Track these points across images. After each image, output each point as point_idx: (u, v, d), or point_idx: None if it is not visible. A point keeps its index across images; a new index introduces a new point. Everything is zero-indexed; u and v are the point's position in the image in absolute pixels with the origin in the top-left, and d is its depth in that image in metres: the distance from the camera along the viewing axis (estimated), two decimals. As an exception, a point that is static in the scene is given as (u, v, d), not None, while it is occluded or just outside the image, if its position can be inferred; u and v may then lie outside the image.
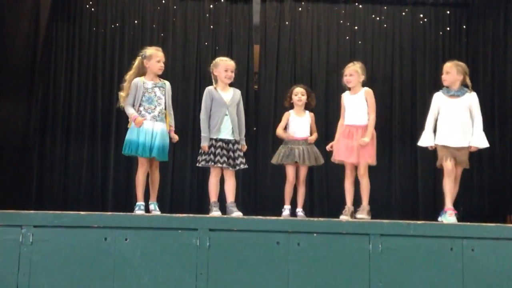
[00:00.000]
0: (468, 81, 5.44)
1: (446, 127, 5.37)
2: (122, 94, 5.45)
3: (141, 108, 5.37)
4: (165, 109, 5.47)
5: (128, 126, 5.44)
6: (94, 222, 4.42)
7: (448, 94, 5.44)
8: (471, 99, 5.38)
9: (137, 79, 5.42)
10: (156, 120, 5.39)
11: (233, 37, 7.93)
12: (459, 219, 5.39)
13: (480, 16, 7.84)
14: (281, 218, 5.42)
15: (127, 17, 7.85)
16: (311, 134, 6.09)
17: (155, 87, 5.43)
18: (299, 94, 6.05)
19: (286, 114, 6.13)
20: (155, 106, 5.40)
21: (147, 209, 5.48)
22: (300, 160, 5.88)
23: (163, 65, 5.50)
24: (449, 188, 5.35)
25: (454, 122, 5.34)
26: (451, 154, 5.35)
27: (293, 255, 4.44)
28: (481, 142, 5.36)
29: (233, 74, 5.60)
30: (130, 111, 5.38)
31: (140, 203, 5.44)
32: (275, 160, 6.02)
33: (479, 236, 4.54)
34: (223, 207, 5.53)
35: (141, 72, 5.48)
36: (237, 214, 5.33)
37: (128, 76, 5.46)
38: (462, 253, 4.48)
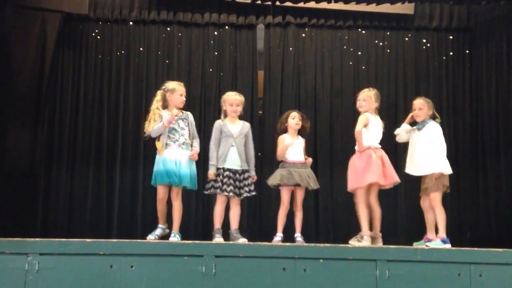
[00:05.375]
0: (435, 113, 5.79)
1: (409, 157, 5.79)
2: (147, 123, 5.65)
3: (167, 139, 5.55)
4: (190, 138, 5.66)
5: (158, 154, 5.58)
6: (99, 249, 4.42)
7: (417, 127, 5.77)
8: (430, 129, 5.66)
9: (164, 111, 5.64)
10: (182, 149, 5.58)
11: (238, 63, 7.98)
12: (466, 245, 5.37)
13: (483, 41, 7.88)
14: (288, 244, 5.39)
15: (132, 45, 7.92)
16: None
17: (179, 119, 5.65)
18: (296, 118, 6.03)
19: (281, 137, 6.07)
20: (179, 137, 5.61)
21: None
22: (304, 182, 5.82)
23: (184, 99, 5.76)
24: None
25: (412, 152, 5.74)
26: (422, 184, 5.67)
27: (300, 281, 4.42)
28: (438, 167, 5.53)
29: (238, 108, 5.82)
30: (159, 124, 5.53)
31: (160, 225, 5.62)
32: (275, 181, 5.92)
33: (487, 262, 4.52)
34: (225, 234, 5.63)
35: (164, 105, 5.70)
36: (242, 240, 5.45)
37: (154, 109, 5.65)
38: (470, 278, 4.46)
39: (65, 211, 7.45)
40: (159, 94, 5.73)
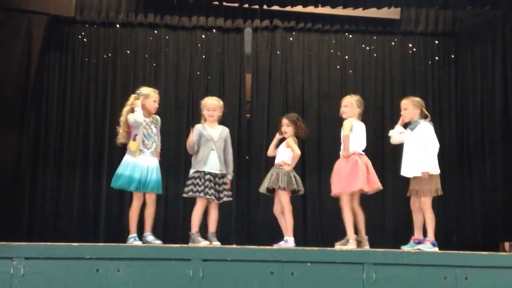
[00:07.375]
0: (425, 112, 5.72)
1: (402, 159, 5.68)
2: (121, 130, 5.67)
3: (142, 145, 5.59)
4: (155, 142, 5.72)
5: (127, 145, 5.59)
6: (86, 253, 4.39)
7: (410, 128, 5.71)
8: (422, 129, 5.61)
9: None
10: (153, 156, 5.65)
11: (225, 66, 7.99)
12: (452, 248, 5.40)
13: (468, 46, 7.96)
14: (275, 247, 5.40)
15: (119, 48, 7.89)
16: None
17: (152, 123, 5.71)
18: (284, 125, 6.05)
19: None
20: (152, 142, 5.67)
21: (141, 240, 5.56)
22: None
23: (157, 105, 5.80)
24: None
25: (406, 153, 5.66)
26: (412, 185, 5.60)
27: (287, 284, 4.42)
28: (427, 167, 5.47)
29: (215, 113, 5.83)
30: (136, 113, 5.55)
31: (133, 235, 5.57)
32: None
33: (473, 265, 4.55)
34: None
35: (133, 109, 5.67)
36: (216, 243, 5.53)
37: (125, 112, 5.67)
38: (455, 281, 4.49)
39: (51, 215, 7.40)
40: (132, 97, 5.74)
